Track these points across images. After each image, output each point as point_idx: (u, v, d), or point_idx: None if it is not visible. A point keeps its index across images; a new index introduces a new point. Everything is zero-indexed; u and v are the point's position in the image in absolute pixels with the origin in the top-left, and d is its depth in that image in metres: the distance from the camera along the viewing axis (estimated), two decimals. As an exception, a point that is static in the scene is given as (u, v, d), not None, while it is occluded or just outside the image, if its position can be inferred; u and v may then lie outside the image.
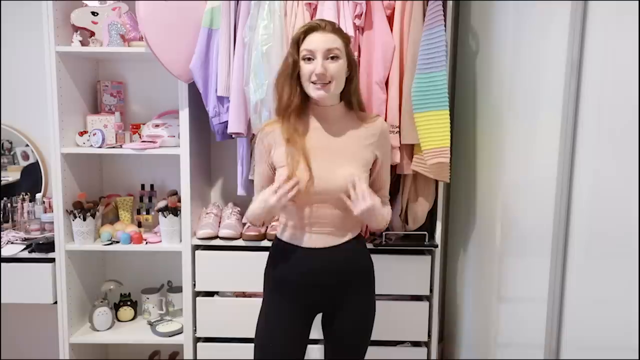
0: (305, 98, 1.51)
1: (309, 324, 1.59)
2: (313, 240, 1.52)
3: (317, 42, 1.45)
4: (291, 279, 1.54)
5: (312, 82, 1.46)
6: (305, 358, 1.60)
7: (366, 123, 1.56)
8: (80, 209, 2.09)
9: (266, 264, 1.63)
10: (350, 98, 1.55)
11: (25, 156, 2.39)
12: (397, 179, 1.99)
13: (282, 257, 1.57)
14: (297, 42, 1.48)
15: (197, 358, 2.11)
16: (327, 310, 1.58)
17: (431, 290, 2.02)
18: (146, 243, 2.13)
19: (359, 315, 1.56)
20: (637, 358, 0.92)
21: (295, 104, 1.49)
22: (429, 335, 2.05)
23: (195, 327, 2.09)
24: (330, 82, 1.46)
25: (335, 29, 1.49)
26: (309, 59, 1.46)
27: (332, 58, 1.45)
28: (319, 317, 1.62)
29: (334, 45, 1.45)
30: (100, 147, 2.08)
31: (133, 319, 2.30)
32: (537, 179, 1.36)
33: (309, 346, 1.63)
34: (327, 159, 1.50)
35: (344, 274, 1.54)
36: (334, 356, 1.60)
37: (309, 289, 1.53)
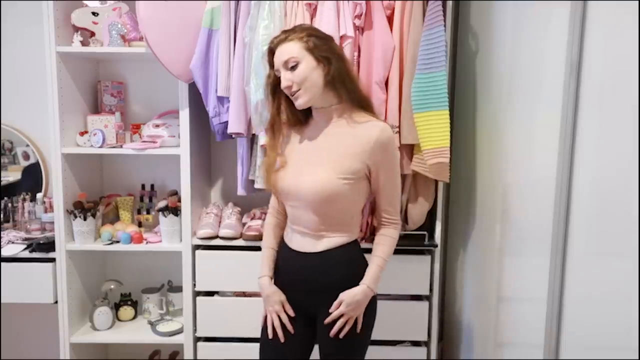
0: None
1: (311, 324, 1.57)
2: (295, 242, 1.54)
3: (276, 58, 1.47)
4: (283, 280, 1.56)
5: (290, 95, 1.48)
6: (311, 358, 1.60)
7: (361, 130, 1.45)
8: (80, 208, 2.09)
9: None
10: (339, 92, 1.46)
11: (26, 156, 2.39)
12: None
13: (280, 256, 1.60)
14: (271, 61, 1.50)
15: (197, 358, 2.11)
16: (322, 312, 1.53)
17: (431, 290, 2.02)
18: (146, 243, 2.13)
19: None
20: (637, 358, 0.92)
21: (276, 118, 1.54)
22: (429, 335, 2.05)
23: (196, 326, 2.09)
24: (298, 89, 1.44)
25: (295, 32, 1.46)
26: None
27: (292, 68, 1.44)
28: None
29: (289, 55, 1.43)
30: (100, 147, 2.09)
31: (133, 318, 2.31)
32: (537, 179, 1.36)
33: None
34: (300, 163, 1.50)
35: (320, 283, 1.50)
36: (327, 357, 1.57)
37: (295, 291, 1.54)
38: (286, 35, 1.47)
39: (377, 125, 1.46)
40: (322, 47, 1.45)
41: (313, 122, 1.55)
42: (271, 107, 1.54)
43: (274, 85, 1.51)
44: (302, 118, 1.56)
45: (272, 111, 1.54)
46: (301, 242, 1.52)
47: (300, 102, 1.46)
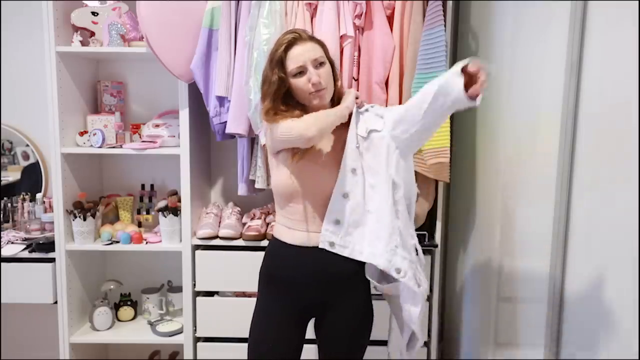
0: (297, 107, 1.50)
1: (302, 325, 1.57)
2: (297, 237, 1.51)
3: (303, 54, 1.45)
4: (284, 278, 1.54)
5: (310, 93, 1.47)
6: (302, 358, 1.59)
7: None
8: (80, 208, 2.09)
9: (261, 263, 1.62)
10: (334, 97, 1.54)
11: (26, 156, 2.39)
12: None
13: (276, 255, 1.57)
14: (281, 61, 1.46)
15: (197, 358, 2.11)
16: (319, 312, 1.55)
17: (431, 290, 2.02)
18: (146, 243, 2.13)
19: (350, 319, 1.53)
20: (637, 358, 0.92)
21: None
22: (429, 335, 2.05)
23: (195, 327, 2.09)
24: (324, 88, 1.47)
25: (311, 36, 1.51)
26: (299, 73, 1.45)
27: (320, 64, 1.47)
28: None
29: (319, 53, 1.47)
30: (100, 147, 2.09)
31: (133, 318, 2.31)
32: (537, 179, 1.36)
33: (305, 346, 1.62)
34: (311, 163, 1.49)
35: (333, 275, 1.50)
36: (327, 357, 1.58)
37: (300, 287, 1.53)
38: (306, 33, 1.50)
39: None
40: (328, 52, 1.53)
41: None
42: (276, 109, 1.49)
43: (283, 87, 1.47)
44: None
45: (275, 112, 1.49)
46: (305, 236, 1.51)
47: (321, 101, 1.49)
